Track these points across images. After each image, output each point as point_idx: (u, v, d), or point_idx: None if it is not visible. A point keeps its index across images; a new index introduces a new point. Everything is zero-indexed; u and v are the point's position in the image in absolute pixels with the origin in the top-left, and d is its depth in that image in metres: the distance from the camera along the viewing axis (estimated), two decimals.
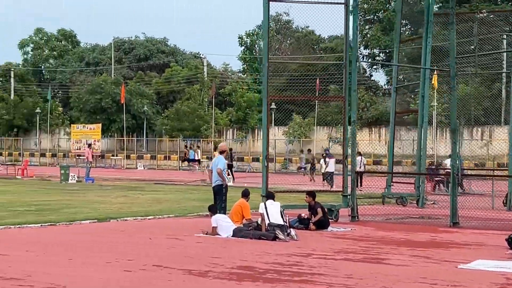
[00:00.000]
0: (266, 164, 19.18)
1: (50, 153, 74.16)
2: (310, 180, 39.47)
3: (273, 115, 65.13)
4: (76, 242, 14.56)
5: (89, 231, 16.54)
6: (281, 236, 15.11)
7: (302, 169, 47.00)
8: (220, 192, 17.49)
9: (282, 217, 15.86)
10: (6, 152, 76.52)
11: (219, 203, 17.24)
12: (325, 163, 36.15)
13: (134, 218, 19.31)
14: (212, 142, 65.37)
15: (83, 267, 11.32)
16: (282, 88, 63.08)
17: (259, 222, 16.25)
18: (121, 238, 15.37)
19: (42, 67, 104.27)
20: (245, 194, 17.29)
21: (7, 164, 53.83)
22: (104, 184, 36.10)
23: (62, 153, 73.78)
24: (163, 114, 74.12)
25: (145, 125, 72.31)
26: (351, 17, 20.06)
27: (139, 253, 12.98)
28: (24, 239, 14.85)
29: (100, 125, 69.09)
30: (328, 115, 62.65)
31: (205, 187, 35.24)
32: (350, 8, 19.79)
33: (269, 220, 15.70)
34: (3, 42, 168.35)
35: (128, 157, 68.92)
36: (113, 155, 69.58)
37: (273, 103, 64.66)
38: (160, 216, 19.88)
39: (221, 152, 17.97)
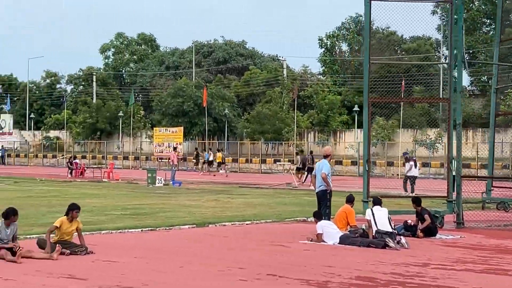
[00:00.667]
0: (367, 169, 18.53)
1: (133, 156, 74.90)
2: (298, 181, 39.81)
3: (355, 117, 64.21)
4: (180, 248, 14.29)
5: (190, 236, 16.25)
6: (391, 244, 14.47)
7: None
8: (324, 197, 16.83)
9: (390, 223, 15.24)
10: (90, 155, 77.68)
11: (323, 209, 16.63)
12: (409, 167, 35.01)
13: (232, 223, 18.95)
14: (294, 145, 64.88)
15: (197, 276, 10.97)
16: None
17: (365, 228, 15.67)
18: (225, 244, 15.01)
19: (123, 71, 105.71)
20: (350, 199, 16.64)
21: (93, 167, 54.50)
22: (191, 188, 36.01)
23: (144, 156, 74.39)
24: (243, 117, 73.98)
25: (226, 128, 72.26)
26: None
27: (248, 260, 12.58)
28: (127, 244, 14.63)
29: (182, 128, 69.29)
30: (413, 117, 61.36)
31: (293, 190, 34.87)
32: (455, 6, 19.00)
33: (377, 227, 15.09)
34: (85, 47, 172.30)
35: None
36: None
37: (356, 105, 63.76)
38: (257, 221, 19.49)
39: (325, 156, 17.29)
